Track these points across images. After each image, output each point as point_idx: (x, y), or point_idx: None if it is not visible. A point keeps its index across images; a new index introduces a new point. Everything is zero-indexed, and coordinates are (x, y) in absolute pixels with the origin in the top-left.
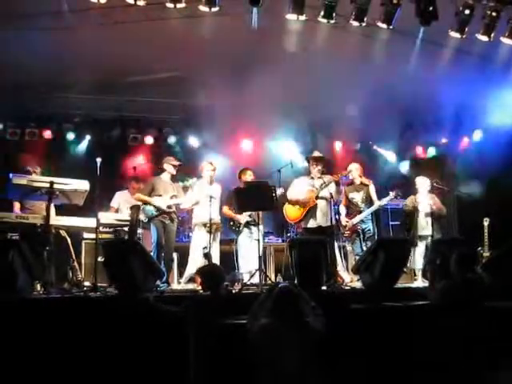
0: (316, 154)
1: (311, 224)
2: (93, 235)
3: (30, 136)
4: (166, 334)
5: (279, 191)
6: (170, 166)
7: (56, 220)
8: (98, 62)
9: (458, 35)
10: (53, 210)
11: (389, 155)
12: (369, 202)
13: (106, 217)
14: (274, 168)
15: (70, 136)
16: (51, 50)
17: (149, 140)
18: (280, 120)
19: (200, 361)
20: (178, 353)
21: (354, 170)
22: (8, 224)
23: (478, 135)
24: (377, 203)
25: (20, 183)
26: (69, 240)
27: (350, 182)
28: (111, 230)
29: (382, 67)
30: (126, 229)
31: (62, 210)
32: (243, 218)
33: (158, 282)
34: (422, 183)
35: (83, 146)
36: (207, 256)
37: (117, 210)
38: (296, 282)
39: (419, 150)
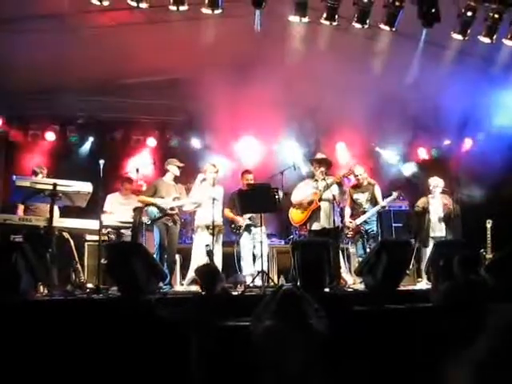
0: (319, 156)
1: (315, 226)
2: (96, 237)
3: (33, 138)
4: (168, 335)
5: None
6: (174, 167)
7: (59, 222)
8: (101, 64)
9: (460, 37)
10: (57, 212)
11: (391, 157)
12: (373, 202)
13: (108, 219)
14: (276, 170)
15: (73, 138)
16: (54, 52)
17: (151, 142)
18: (283, 122)
19: (201, 363)
20: (180, 355)
21: (362, 172)
22: (11, 226)
23: (480, 136)
24: (380, 203)
25: (23, 185)
26: (72, 242)
27: (355, 183)
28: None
29: (384, 69)
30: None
31: (64, 212)
32: (243, 220)
33: (161, 284)
34: (436, 184)
35: (86, 147)
36: (209, 254)
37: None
38: (299, 283)
39: (422, 152)
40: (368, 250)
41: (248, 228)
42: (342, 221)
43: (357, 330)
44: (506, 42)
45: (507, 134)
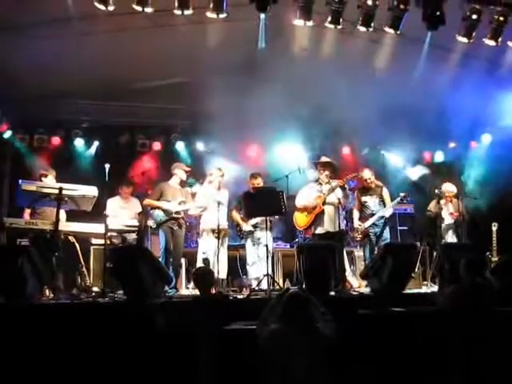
0: (323, 159)
1: (319, 230)
2: (101, 241)
3: (39, 142)
4: (174, 339)
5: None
6: (181, 170)
7: (65, 226)
8: (107, 69)
9: (465, 40)
10: (63, 216)
11: (397, 160)
12: (382, 205)
13: (113, 223)
14: (281, 174)
15: (79, 142)
16: (59, 57)
17: (157, 146)
18: (287, 125)
19: (208, 366)
20: (187, 358)
21: (371, 176)
22: (18, 230)
23: (486, 139)
24: (388, 205)
25: (29, 189)
26: (77, 246)
27: (363, 186)
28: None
29: (389, 72)
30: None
31: (71, 216)
32: (246, 226)
33: (167, 288)
34: (450, 190)
35: (92, 151)
36: (206, 262)
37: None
38: (304, 287)
39: (428, 156)
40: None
41: (252, 233)
42: (347, 224)
43: (362, 334)
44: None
45: None
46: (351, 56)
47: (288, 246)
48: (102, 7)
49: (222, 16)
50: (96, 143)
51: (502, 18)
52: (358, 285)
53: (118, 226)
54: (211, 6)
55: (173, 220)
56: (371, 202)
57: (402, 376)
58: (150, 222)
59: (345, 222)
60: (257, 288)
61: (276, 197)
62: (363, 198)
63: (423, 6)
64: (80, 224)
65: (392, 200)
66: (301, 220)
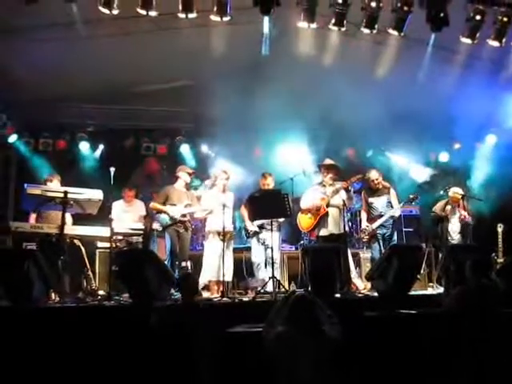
0: (328, 161)
1: (323, 232)
2: (107, 244)
3: (44, 146)
4: (179, 342)
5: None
6: (185, 174)
7: (70, 229)
8: (112, 72)
9: (469, 41)
10: (70, 220)
11: (401, 161)
12: (390, 206)
13: (119, 226)
14: (286, 176)
15: (84, 146)
16: (64, 61)
17: (162, 149)
18: (292, 128)
19: (210, 369)
20: (191, 361)
21: (378, 176)
22: (23, 234)
23: (491, 140)
24: (396, 207)
25: (34, 193)
26: (83, 249)
27: (370, 188)
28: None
29: (393, 73)
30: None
31: (76, 219)
32: (251, 226)
33: (172, 291)
34: (457, 193)
35: (97, 155)
36: (184, 269)
37: None
38: (310, 289)
39: (432, 157)
40: None
41: (257, 234)
42: (352, 226)
43: (368, 336)
44: None
45: None
46: (355, 58)
47: (293, 249)
48: (106, 11)
49: (226, 19)
50: (101, 147)
51: (505, 19)
52: (363, 287)
53: (124, 229)
54: (215, 9)
55: (179, 223)
56: (378, 203)
57: (408, 378)
58: (156, 225)
59: (350, 223)
60: (262, 290)
61: (281, 199)
62: (370, 199)
63: (427, 7)
64: (85, 227)
65: (399, 201)
66: (304, 222)
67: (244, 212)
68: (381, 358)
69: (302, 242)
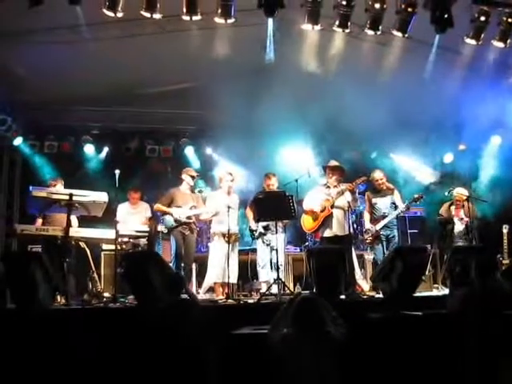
0: (333, 163)
1: (327, 233)
2: (112, 246)
3: (50, 148)
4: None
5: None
6: (188, 176)
7: (75, 232)
8: (116, 75)
9: (473, 42)
10: (75, 222)
11: (406, 163)
12: (394, 208)
13: (124, 228)
14: (291, 178)
15: (89, 148)
16: (69, 63)
17: (166, 151)
18: (297, 130)
19: (215, 371)
20: (198, 363)
21: (382, 176)
22: (29, 236)
23: (496, 141)
24: (399, 208)
25: (40, 196)
26: (88, 251)
27: (374, 188)
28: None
29: (397, 75)
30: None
31: (81, 222)
32: (255, 225)
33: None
34: (461, 194)
35: (101, 157)
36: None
37: None
38: (314, 290)
39: (437, 158)
40: None
41: (262, 235)
42: (357, 228)
43: (373, 337)
44: None
45: None
46: (359, 59)
47: (298, 250)
48: (110, 14)
49: (230, 21)
50: (106, 149)
51: (510, 20)
52: (368, 288)
53: (129, 231)
54: (219, 11)
55: (184, 225)
56: (382, 203)
57: (413, 379)
58: (162, 227)
59: (354, 225)
60: (267, 292)
61: (286, 201)
62: (373, 200)
63: (431, 8)
64: (90, 230)
65: (404, 202)
66: (308, 223)
67: (249, 213)
68: (385, 359)
69: (306, 243)
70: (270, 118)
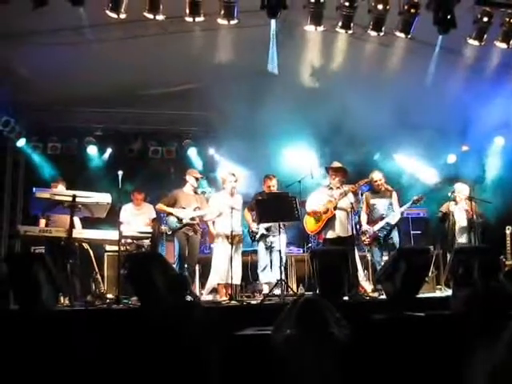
0: (335, 164)
1: (330, 235)
2: (115, 247)
3: (53, 150)
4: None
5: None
6: (192, 178)
7: (79, 233)
8: (119, 76)
9: (476, 43)
10: (79, 223)
11: (409, 164)
12: (391, 209)
13: (127, 229)
14: (293, 179)
15: (92, 149)
16: (72, 65)
17: (169, 152)
18: (299, 131)
19: (215, 372)
20: (200, 365)
21: (381, 177)
22: (32, 237)
23: (500, 142)
24: (398, 210)
25: (43, 197)
26: (91, 252)
27: (373, 189)
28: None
29: (400, 76)
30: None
31: (85, 223)
32: (257, 227)
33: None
34: (461, 190)
35: (105, 159)
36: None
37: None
38: (318, 292)
39: (441, 159)
40: (385, 256)
41: (264, 237)
42: (359, 229)
43: (376, 338)
44: None
45: None
46: (362, 60)
47: (301, 251)
48: (114, 15)
49: (233, 22)
50: (109, 150)
51: None
52: (371, 289)
53: (132, 232)
54: (222, 12)
55: (188, 226)
56: (380, 204)
57: (417, 381)
58: (165, 229)
59: (357, 226)
60: (270, 293)
61: (289, 202)
62: (372, 201)
63: (434, 9)
64: (94, 231)
65: (401, 206)
66: (311, 225)
67: (248, 215)
68: (389, 360)
69: (309, 244)
70: (273, 119)
